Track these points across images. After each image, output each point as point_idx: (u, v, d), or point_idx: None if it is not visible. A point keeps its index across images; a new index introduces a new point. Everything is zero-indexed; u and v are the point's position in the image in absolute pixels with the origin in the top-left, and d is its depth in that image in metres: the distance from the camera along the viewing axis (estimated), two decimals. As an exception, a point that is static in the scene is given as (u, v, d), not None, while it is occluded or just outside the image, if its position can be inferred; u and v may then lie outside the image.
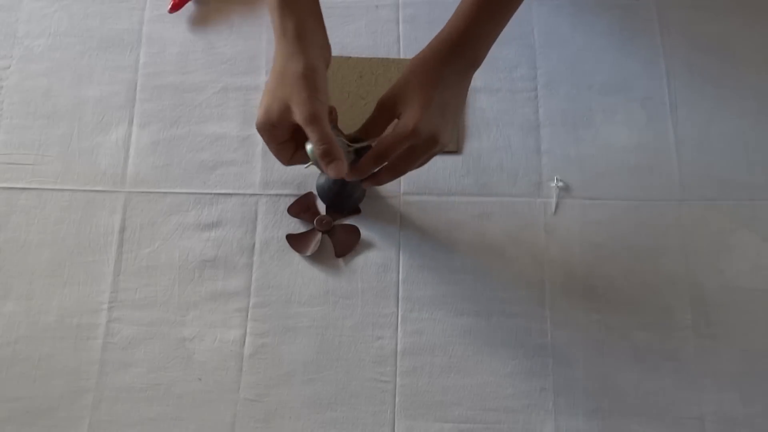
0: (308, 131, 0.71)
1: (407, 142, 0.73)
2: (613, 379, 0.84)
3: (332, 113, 0.77)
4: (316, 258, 0.88)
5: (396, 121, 0.75)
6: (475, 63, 0.76)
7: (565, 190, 0.91)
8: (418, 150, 0.75)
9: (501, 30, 0.76)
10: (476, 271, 0.88)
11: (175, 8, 0.99)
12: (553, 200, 0.91)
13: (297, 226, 0.90)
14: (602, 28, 1.00)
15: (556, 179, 0.91)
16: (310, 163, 0.75)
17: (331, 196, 0.89)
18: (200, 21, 0.99)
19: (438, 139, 0.75)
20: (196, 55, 0.98)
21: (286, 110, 0.71)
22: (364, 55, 0.98)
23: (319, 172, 0.85)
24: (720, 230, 0.90)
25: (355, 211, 0.89)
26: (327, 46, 0.76)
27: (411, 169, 0.77)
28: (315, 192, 0.90)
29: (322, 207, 0.90)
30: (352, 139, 0.77)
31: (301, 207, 0.90)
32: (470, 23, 0.74)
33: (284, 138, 0.74)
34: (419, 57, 0.76)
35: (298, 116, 0.71)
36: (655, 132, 0.95)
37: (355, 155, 0.76)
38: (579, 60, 0.98)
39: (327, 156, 0.71)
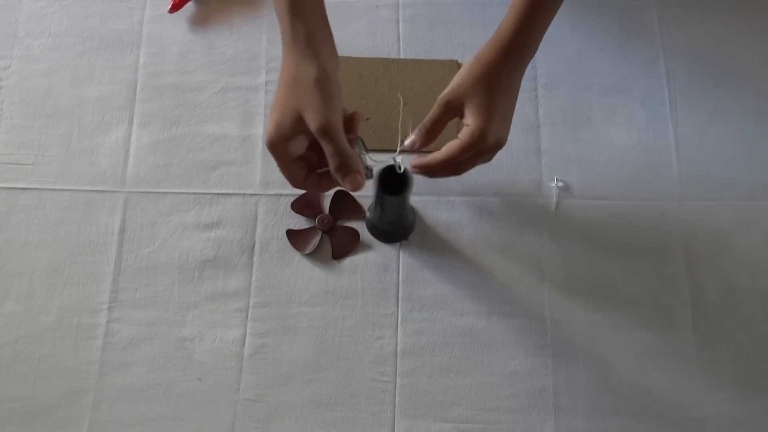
0: (322, 143, 0.66)
1: (476, 149, 0.73)
2: (613, 379, 0.84)
3: (355, 119, 0.72)
4: (317, 258, 0.88)
5: (463, 126, 0.74)
6: (531, 56, 0.76)
7: (565, 190, 0.91)
8: (483, 153, 0.75)
9: (552, 19, 0.76)
10: (476, 271, 0.88)
11: (175, 8, 0.99)
12: (553, 200, 0.91)
13: (298, 225, 0.90)
14: (602, 28, 1.00)
15: (556, 179, 0.91)
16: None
17: (384, 234, 0.89)
18: (200, 21, 0.99)
19: (502, 143, 0.75)
20: (196, 55, 0.98)
21: (299, 120, 0.67)
22: (364, 55, 0.98)
23: (371, 211, 0.87)
24: (720, 230, 0.90)
25: (404, 238, 0.89)
26: (336, 54, 0.73)
27: (465, 170, 0.77)
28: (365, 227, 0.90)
29: (325, 205, 0.90)
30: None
31: (305, 203, 0.90)
32: (527, 18, 0.74)
33: (299, 153, 0.69)
34: (485, 58, 0.74)
35: (312, 125, 0.66)
36: (655, 132, 0.95)
37: (368, 169, 0.72)
38: (579, 60, 0.98)
39: (341, 170, 0.67)
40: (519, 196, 0.91)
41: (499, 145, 0.75)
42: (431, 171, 0.75)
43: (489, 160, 0.78)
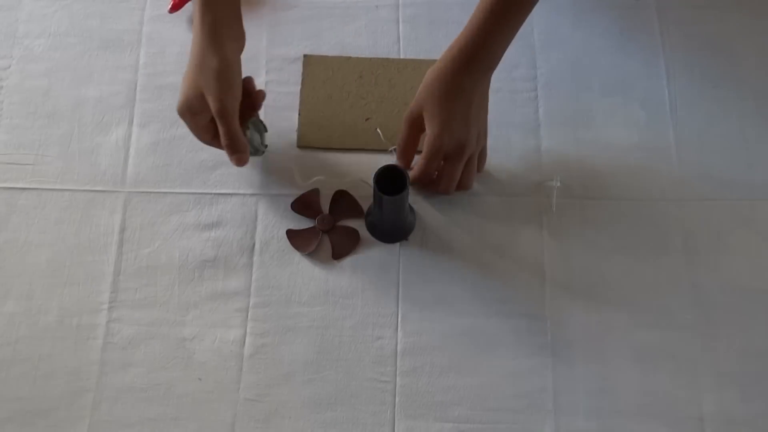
0: (219, 124, 0.79)
1: (438, 155, 0.80)
2: (613, 379, 0.84)
3: (260, 96, 0.85)
4: (317, 258, 0.88)
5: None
6: (491, 67, 0.79)
7: (565, 190, 0.91)
8: (453, 158, 0.81)
9: (515, 34, 0.79)
10: (476, 271, 0.88)
11: (175, 8, 0.99)
12: (553, 200, 0.91)
13: (298, 225, 0.90)
14: (602, 28, 1.00)
15: (556, 179, 0.91)
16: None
17: (384, 234, 0.89)
18: (200, 21, 0.99)
19: (464, 146, 0.81)
20: (196, 55, 0.97)
21: (203, 99, 0.78)
22: (364, 55, 0.98)
23: (371, 211, 0.88)
24: (720, 230, 0.90)
25: (404, 238, 0.90)
26: (242, 36, 0.82)
27: (459, 174, 0.85)
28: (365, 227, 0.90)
29: (325, 206, 0.90)
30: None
31: (304, 204, 0.90)
32: (484, 31, 0.77)
33: (204, 122, 0.81)
34: (437, 69, 0.79)
35: (212, 108, 0.78)
36: (655, 132, 0.95)
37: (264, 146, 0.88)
38: (579, 60, 0.98)
39: (229, 148, 0.81)
40: (519, 196, 0.91)
41: (460, 148, 0.80)
42: (418, 184, 0.87)
43: (471, 170, 0.85)
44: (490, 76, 0.81)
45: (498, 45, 0.78)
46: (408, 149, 0.85)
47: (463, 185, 0.87)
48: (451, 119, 0.79)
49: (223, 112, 0.78)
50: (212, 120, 0.81)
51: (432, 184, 0.87)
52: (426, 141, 0.81)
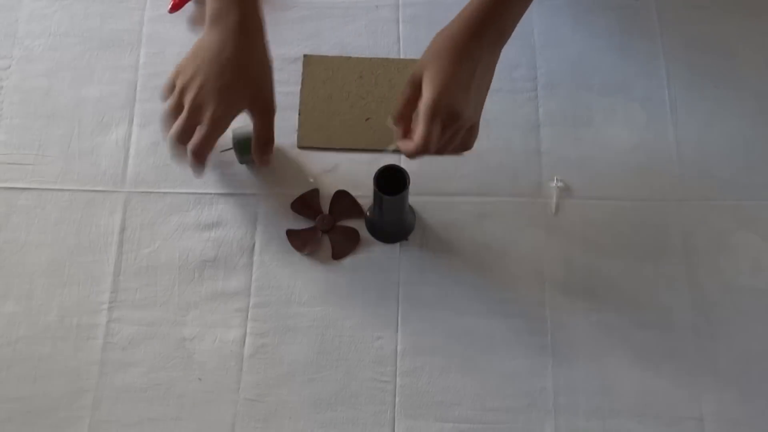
0: (263, 122, 0.79)
1: (435, 118, 0.71)
2: (613, 379, 0.84)
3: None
4: (317, 258, 0.88)
5: None
6: (502, 37, 0.74)
7: (565, 190, 0.91)
8: (447, 126, 0.73)
9: (528, 4, 0.74)
10: (476, 271, 0.88)
11: (175, 8, 0.99)
12: (553, 200, 0.91)
13: (298, 225, 0.90)
14: (602, 29, 1.00)
15: (556, 179, 0.91)
16: (229, 148, 0.86)
17: (383, 234, 0.89)
18: (200, 21, 0.99)
19: (460, 115, 0.72)
20: (196, 55, 0.97)
21: (242, 91, 0.77)
22: (364, 55, 0.98)
23: (371, 211, 0.88)
24: (720, 230, 0.90)
25: (404, 238, 0.89)
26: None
27: (453, 147, 0.76)
28: (366, 227, 0.90)
29: (325, 205, 0.90)
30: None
31: (304, 203, 0.90)
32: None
33: (226, 114, 0.78)
34: (446, 31, 0.74)
35: (261, 106, 0.77)
36: (655, 132, 0.95)
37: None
38: (579, 60, 0.98)
39: (268, 145, 0.82)
40: (519, 196, 0.91)
41: (455, 115, 0.72)
42: (419, 151, 0.74)
43: (465, 142, 0.76)
44: (500, 49, 0.75)
45: (510, 13, 0.74)
46: (406, 111, 0.77)
47: (463, 146, 0.78)
48: (450, 83, 0.72)
49: (272, 111, 0.79)
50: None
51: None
52: (422, 106, 0.73)
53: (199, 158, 0.78)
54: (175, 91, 0.78)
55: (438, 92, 0.72)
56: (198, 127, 0.77)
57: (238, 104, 0.78)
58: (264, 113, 0.79)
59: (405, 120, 0.77)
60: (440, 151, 0.75)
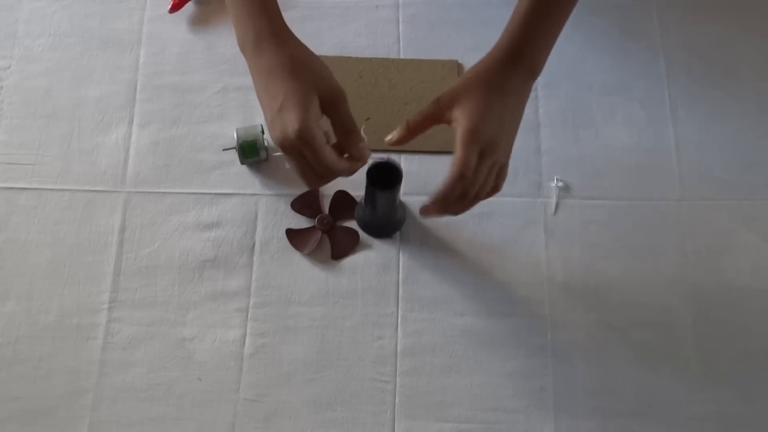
0: (337, 113, 0.69)
1: (475, 148, 0.70)
2: (613, 379, 0.84)
3: None
4: (316, 258, 0.88)
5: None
6: (534, 71, 0.74)
7: (565, 190, 0.91)
8: (482, 159, 0.71)
9: (558, 35, 0.74)
10: (476, 271, 0.88)
11: (175, 8, 0.99)
12: (553, 200, 0.91)
13: (298, 225, 0.90)
14: (602, 28, 1.00)
15: (556, 179, 0.91)
16: (231, 147, 0.81)
17: (373, 228, 0.89)
18: (200, 21, 0.99)
19: (497, 147, 0.71)
20: (196, 55, 0.98)
21: (316, 100, 0.67)
22: (364, 55, 0.98)
23: (362, 205, 0.86)
24: (720, 230, 0.90)
25: (392, 233, 0.89)
26: None
27: (492, 177, 0.74)
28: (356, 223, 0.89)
29: (325, 205, 0.90)
30: None
31: (304, 203, 0.90)
32: (529, 30, 0.72)
33: (322, 136, 0.66)
34: (482, 63, 0.73)
35: (334, 94, 0.68)
36: (655, 132, 0.95)
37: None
38: (579, 60, 0.98)
39: (354, 140, 0.70)
40: (519, 196, 0.91)
41: (493, 146, 0.71)
42: (447, 200, 0.72)
43: (497, 183, 0.74)
44: (531, 84, 0.75)
45: (543, 47, 0.74)
46: (417, 127, 0.74)
47: (494, 188, 0.76)
48: (487, 114, 0.71)
49: (342, 94, 0.69)
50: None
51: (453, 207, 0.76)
52: (460, 129, 0.70)
53: (324, 180, 0.69)
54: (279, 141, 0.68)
55: (476, 120, 0.70)
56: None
57: (315, 108, 0.68)
58: (342, 101, 0.70)
59: (414, 130, 0.74)
60: (478, 193, 0.74)
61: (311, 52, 0.70)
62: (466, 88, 0.73)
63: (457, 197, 0.72)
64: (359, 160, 0.70)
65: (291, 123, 0.65)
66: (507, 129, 0.74)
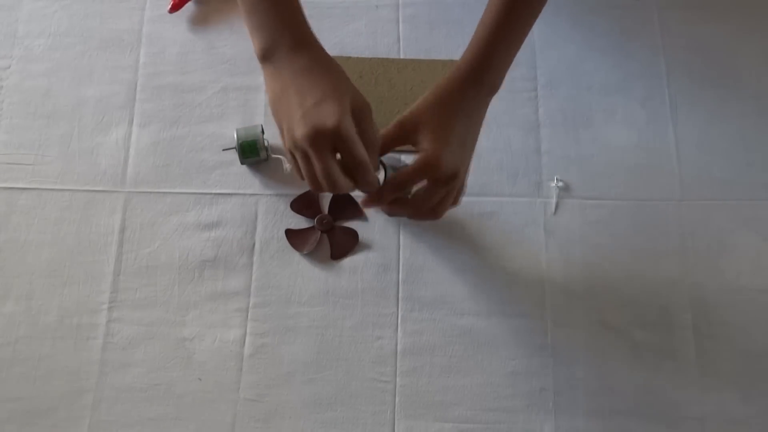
0: (366, 126, 0.67)
1: (429, 174, 0.70)
2: (613, 379, 0.84)
3: None
4: (317, 258, 0.88)
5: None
6: (493, 89, 0.75)
7: (565, 190, 0.91)
8: (440, 183, 0.71)
9: (516, 53, 0.75)
10: (476, 271, 0.88)
11: (175, 8, 0.99)
12: (553, 200, 0.91)
13: (297, 225, 0.90)
14: (602, 28, 1.00)
15: (556, 179, 0.91)
16: (231, 147, 0.79)
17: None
18: (200, 21, 0.99)
19: (458, 173, 0.72)
20: (196, 55, 0.98)
21: (356, 96, 0.66)
22: (364, 55, 0.98)
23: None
24: (720, 230, 0.90)
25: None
26: None
27: (427, 206, 0.73)
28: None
29: (325, 205, 0.90)
30: None
31: (304, 203, 0.90)
32: (488, 50, 0.74)
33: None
34: (442, 84, 0.74)
35: (362, 106, 0.66)
36: (655, 132, 0.95)
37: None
38: (579, 60, 0.98)
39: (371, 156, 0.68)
40: (519, 196, 0.91)
41: (455, 174, 0.71)
42: (385, 197, 0.72)
43: (454, 198, 0.74)
44: (489, 102, 0.75)
45: (501, 66, 0.75)
46: (386, 147, 0.73)
47: (436, 212, 0.75)
48: (454, 140, 0.71)
49: (370, 108, 0.67)
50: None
51: (397, 208, 0.75)
52: (422, 156, 0.70)
53: (336, 189, 0.67)
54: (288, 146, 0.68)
55: (440, 147, 0.70)
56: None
57: (347, 118, 0.65)
58: (366, 113, 0.68)
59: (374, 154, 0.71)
60: (438, 210, 0.73)
61: (333, 60, 0.69)
62: (429, 110, 0.72)
63: (392, 200, 0.72)
64: (370, 185, 0.68)
65: (330, 116, 0.63)
66: (468, 151, 0.74)
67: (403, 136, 0.73)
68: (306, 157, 0.65)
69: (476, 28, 0.75)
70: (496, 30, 0.73)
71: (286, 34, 0.70)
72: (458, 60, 0.75)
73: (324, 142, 0.63)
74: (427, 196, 0.72)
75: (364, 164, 0.66)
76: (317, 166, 0.65)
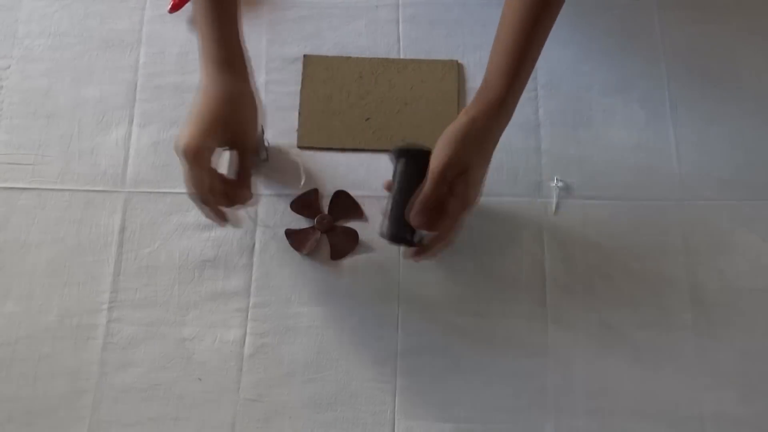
0: (237, 156, 0.74)
1: (440, 182, 0.73)
2: (613, 379, 0.84)
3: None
4: (316, 258, 0.88)
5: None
6: (508, 122, 0.76)
7: (565, 190, 0.91)
8: (455, 187, 0.74)
9: (530, 74, 0.76)
10: (476, 271, 0.88)
11: (175, 8, 0.99)
12: (553, 200, 0.91)
13: (297, 225, 0.90)
14: (602, 28, 1.00)
15: (556, 179, 0.91)
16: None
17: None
18: (200, 21, 0.99)
19: (469, 196, 0.75)
20: (196, 55, 0.96)
21: (222, 132, 0.72)
22: (364, 55, 0.98)
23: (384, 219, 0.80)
24: (720, 230, 0.90)
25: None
26: (248, 61, 0.77)
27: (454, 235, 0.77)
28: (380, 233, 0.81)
29: (324, 205, 0.90)
30: None
31: (304, 204, 0.90)
32: (511, 82, 0.73)
33: (209, 164, 0.72)
34: (470, 114, 0.73)
35: (243, 140, 0.74)
36: (655, 132, 0.95)
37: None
38: (579, 60, 0.98)
39: (241, 187, 0.75)
40: (519, 196, 0.91)
41: (471, 209, 0.74)
42: (435, 251, 0.77)
43: (459, 223, 0.76)
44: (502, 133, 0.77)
45: (519, 93, 0.75)
46: (430, 206, 0.73)
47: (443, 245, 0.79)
48: (483, 174, 0.75)
49: (249, 143, 0.75)
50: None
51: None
52: (458, 200, 0.73)
53: (217, 214, 0.76)
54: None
55: (478, 191, 0.75)
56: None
57: (210, 146, 0.72)
58: (243, 148, 0.75)
59: (425, 215, 0.75)
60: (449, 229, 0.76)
61: (249, 93, 0.74)
62: (465, 152, 0.73)
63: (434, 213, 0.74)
64: (236, 202, 0.75)
65: (184, 137, 0.70)
66: (484, 176, 0.76)
67: (446, 186, 0.73)
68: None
69: (495, 56, 0.75)
70: (519, 60, 0.73)
71: (209, 49, 0.74)
72: (483, 88, 0.75)
73: (180, 156, 0.71)
74: (451, 216, 0.74)
75: (190, 183, 0.72)
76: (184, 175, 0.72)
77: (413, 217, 0.74)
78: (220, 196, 0.74)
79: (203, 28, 0.74)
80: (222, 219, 0.77)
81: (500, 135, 0.76)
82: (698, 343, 0.85)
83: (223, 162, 0.80)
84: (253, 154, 0.76)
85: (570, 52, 0.98)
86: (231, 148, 0.75)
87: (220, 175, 0.74)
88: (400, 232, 0.78)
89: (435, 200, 0.73)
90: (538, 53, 0.75)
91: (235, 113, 0.73)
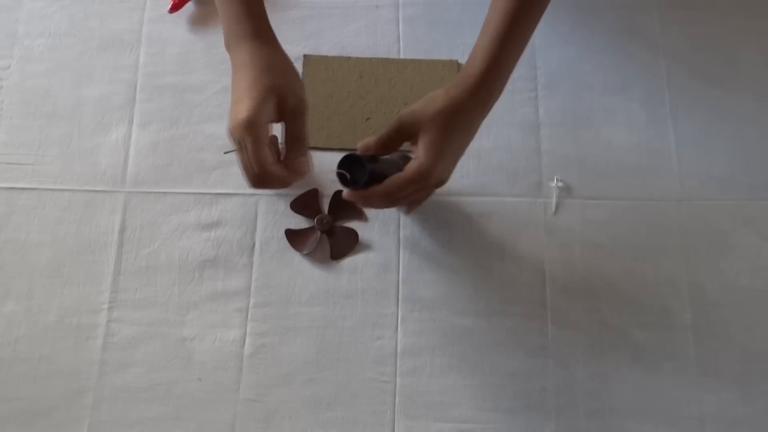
0: (294, 123, 0.72)
1: (420, 184, 0.74)
2: (613, 379, 0.84)
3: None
4: (317, 258, 0.88)
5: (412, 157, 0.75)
6: (496, 97, 0.76)
7: (565, 190, 0.91)
8: (424, 189, 0.76)
9: (518, 60, 0.76)
10: (476, 271, 0.88)
11: (175, 8, 0.99)
12: (553, 200, 0.91)
13: (297, 225, 0.90)
14: (602, 28, 1.00)
15: (556, 179, 0.91)
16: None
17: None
18: (200, 21, 0.99)
19: (445, 181, 0.76)
20: (196, 55, 0.98)
21: (276, 102, 0.70)
22: (364, 55, 0.98)
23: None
24: (720, 230, 0.90)
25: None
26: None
27: (404, 203, 0.79)
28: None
29: (324, 205, 0.90)
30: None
31: (304, 203, 0.90)
32: (496, 63, 0.73)
33: (267, 138, 0.71)
34: (452, 95, 0.73)
35: (296, 103, 0.71)
36: (655, 132, 0.95)
37: None
38: (579, 60, 0.98)
39: (301, 151, 0.73)
40: (519, 196, 0.91)
41: (441, 183, 0.76)
42: (367, 202, 0.77)
43: (427, 196, 0.81)
44: (487, 113, 0.77)
45: (509, 71, 0.75)
46: (388, 147, 0.76)
47: (409, 208, 0.87)
48: (449, 153, 0.74)
49: (300, 108, 0.72)
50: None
51: (374, 202, 0.78)
52: (414, 166, 0.73)
53: (262, 181, 0.71)
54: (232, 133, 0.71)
55: (435, 160, 0.73)
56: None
57: (264, 122, 0.70)
58: (301, 112, 0.73)
59: (384, 148, 0.76)
60: (413, 207, 0.83)
61: (288, 59, 0.74)
62: (434, 119, 0.73)
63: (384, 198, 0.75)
64: (298, 173, 0.72)
65: (241, 112, 0.68)
66: (456, 161, 0.77)
67: (403, 137, 0.75)
68: (240, 147, 0.70)
69: (480, 38, 0.75)
70: (503, 41, 0.73)
71: (237, 25, 0.73)
72: (464, 68, 0.75)
73: (241, 135, 0.68)
74: (408, 198, 0.76)
75: (263, 166, 0.69)
76: (245, 156, 0.70)
77: (386, 196, 0.74)
78: (281, 170, 0.72)
79: (231, 8, 0.73)
80: (285, 186, 0.74)
81: (483, 114, 0.76)
82: (698, 343, 0.85)
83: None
84: (303, 121, 0.73)
85: (570, 52, 0.98)
86: (280, 119, 0.73)
87: (278, 150, 0.73)
88: (361, 179, 0.75)
89: (408, 195, 0.75)
90: (525, 35, 0.75)
91: (282, 79, 0.72)
